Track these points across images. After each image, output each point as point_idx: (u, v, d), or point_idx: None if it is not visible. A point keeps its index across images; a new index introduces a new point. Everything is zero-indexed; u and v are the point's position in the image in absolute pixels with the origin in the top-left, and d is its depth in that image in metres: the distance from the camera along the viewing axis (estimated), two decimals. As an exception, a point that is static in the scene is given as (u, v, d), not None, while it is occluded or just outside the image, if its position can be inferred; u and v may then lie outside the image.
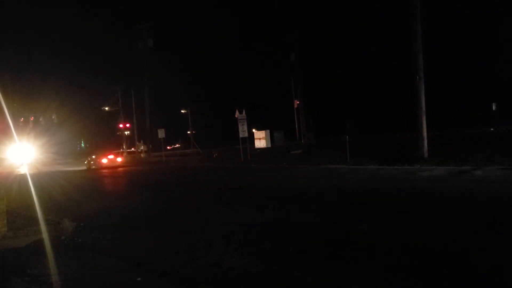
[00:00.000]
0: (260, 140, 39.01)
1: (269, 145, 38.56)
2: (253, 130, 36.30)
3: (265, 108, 54.50)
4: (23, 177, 24.58)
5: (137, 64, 39.08)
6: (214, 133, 60.40)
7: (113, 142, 60.49)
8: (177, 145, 64.88)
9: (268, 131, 39.54)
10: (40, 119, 47.56)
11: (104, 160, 32.84)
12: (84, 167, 33.45)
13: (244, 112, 25.88)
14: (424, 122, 17.31)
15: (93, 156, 33.99)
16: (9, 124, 35.11)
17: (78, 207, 11.60)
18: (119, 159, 33.67)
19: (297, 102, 45.30)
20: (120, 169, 30.34)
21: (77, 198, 13.98)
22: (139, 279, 5.37)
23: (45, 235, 7.94)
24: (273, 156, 25.29)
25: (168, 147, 58.46)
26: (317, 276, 5.05)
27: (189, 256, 6.16)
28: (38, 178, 24.18)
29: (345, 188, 12.36)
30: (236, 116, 26.10)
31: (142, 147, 45.72)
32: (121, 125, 48.53)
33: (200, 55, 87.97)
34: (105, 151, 36.50)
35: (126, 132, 50.09)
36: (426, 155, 17.18)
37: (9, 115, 32.99)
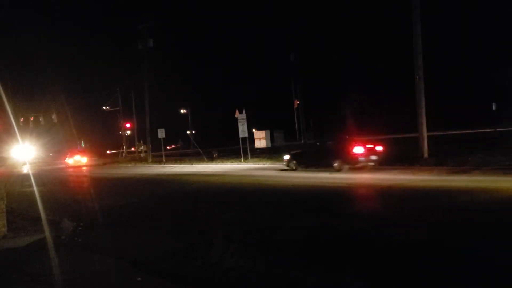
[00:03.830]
0: (260, 140, 38.88)
1: (269, 145, 38.47)
2: (253, 130, 36.20)
3: (265, 108, 54.36)
4: (25, 177, 24.63)
5: (137, 64, 39.03)
6: (214, 133, 60.30)
7: (113, 142, 60.52)
8: (177, 145, 64.86)
9: (268, 131, 39.40)
10: (40, 119, 47.45)
11: (70, 161, 36.98)
12: (63, 165, 37.61)
13: (244, 112, 25.89)
14: (424, 122, 17.32)
15: (68, 156, 38.29)
16: (12, 123, 35.30)
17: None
18: (84, 160, 37.66)
19: (297, 102, 45.25)
20: (84, 168, 33.94)
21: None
22: (139, 279, 5.38)
23: (45, 235, 7.96)
24: (273, 156, 25.29)
25: (168, 147, 58.43)
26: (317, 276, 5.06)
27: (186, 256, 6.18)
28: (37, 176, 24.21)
29: (347, 187, 12.47)
30: (236, 116, 26.11)
31: (142, 147, 45.64)
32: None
33: (200, 55, 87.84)
34: (72, 152, 39.91)
35: (126, 132, 50.02)
36: (426, 155, 17.20)
37: (11, 115, 33.14)
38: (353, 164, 16.19)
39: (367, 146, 16.42)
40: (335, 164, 16.33)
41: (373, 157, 16.10)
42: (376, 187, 12.23)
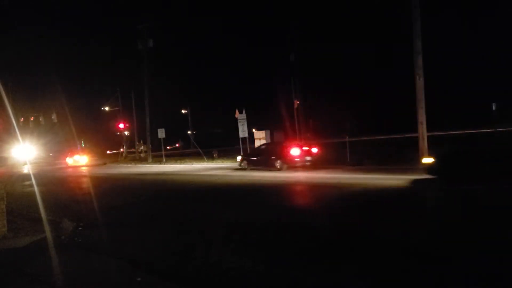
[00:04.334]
0: (260, 140, 38.92)
1: (269, 145, 38.47)
2: (253, 130, 36.26)
3: (265, 108, 54.31)
4: (26, 177, 24.64)
5: (137, 64, 38.99)
6: (215, 133, 60.28)
7: (113, 142, 60.48)
8: (177, 145, 64.84)
9: (268, 131, 39.45)
10: (40, 119, 47.42)
11: (70, 160, 36.56)
12: (64, 165, 37.63)
13: (244, 112, 25.93)
14: (424, 122, 17.32)
15: (68, 156, 37.82)
16: (12, 123, 35.31)
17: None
18: (84, 160, 36.91)
19: (297, 102, 45.24)
20: (84, 168, 33.54)
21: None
22: (139, 279, 5.38)
23: (45, 235, 7.96)
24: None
25: (168, 147, 58.41)
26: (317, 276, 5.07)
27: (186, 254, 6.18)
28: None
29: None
30: (236, 116, 26.15)
31: (142, 147, 45.63)
32: (121, 125, 48.43)
33: (200, 55, 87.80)
34: (72, 152, 39.30)
35: (126, 132, 49.99)
36: (426, 155, 17.18)
37: (12, 115, 33.18)
38: (291, 164, 18.76)
39: (303, 148, 19.17)
40: (277, 164, 18.96)
41: (308, 158, 18.81)
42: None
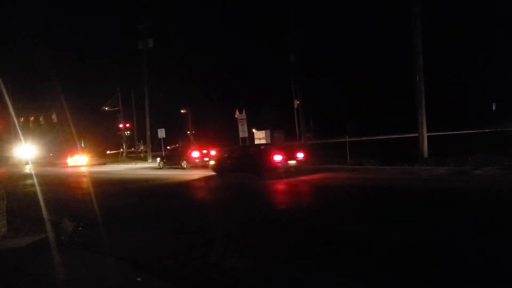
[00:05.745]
0: (260, 140, 38.94)
1: (269, 145, 38.43)
2: (253, 130, 36.26)
3: (265, 108, 54.22)
4: (26, 176, 24.64)
5: (137, 64, 38.94)
6: (215, 133, 60.13)
7: (113, 142, 60.39)
8: (177, 145, 64.66)
9: (268, 131, 39.47)
10: (40, 119, 47.41)
11: (70, 160, 37.25)
12: (64, 165, 38.14)
13: (244, 112, 25.96)
14: (424, 122, 17.32)
15: (69, 156, 38.27)
16: (14, 123, 35.31)
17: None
18: (84, 159, 37.67)
19: (297, 102, 45.23)
20: (84, 168, 34.03)
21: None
22: (139, 279, 5.38)
23: (45, 235, 7.96)
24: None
25: (168, 147, 58.26)
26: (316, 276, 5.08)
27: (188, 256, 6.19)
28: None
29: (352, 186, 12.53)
30: (236, 116, 26.18)
31: (142, 147, 45.61)
32: (121, 125, 48.41)
33: (200, 54, 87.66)
34: (72, 152, 39.48)
35: (126, 132, 49.93)
36: (426, 155, 17.20)
37: (13, 115, 33.22)
38: (193, 163, 23.59)
39: (202, 151, 24.05)
40: (183, 163, 23.82)
41: (206, 159, 23.19)
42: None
